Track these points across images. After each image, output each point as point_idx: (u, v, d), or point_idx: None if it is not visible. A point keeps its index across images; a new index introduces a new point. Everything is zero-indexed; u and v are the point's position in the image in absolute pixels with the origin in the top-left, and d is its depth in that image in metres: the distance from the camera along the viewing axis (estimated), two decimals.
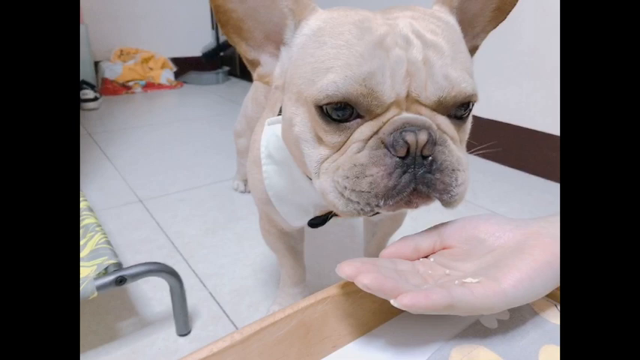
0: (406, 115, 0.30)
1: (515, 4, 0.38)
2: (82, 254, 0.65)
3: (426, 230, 0.35)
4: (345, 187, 0.30)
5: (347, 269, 0.28)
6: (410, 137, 0.29)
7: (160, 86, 2.57)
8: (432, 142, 0.30)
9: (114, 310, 0.74)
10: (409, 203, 0.32)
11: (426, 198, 0.31)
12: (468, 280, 0.29)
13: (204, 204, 1.15)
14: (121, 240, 0.95)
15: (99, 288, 0.57)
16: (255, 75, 0.38)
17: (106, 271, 0.60)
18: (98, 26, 2.49)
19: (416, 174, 0.30)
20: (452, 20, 0.37)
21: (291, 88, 0.35)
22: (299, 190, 0.47)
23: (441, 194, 0.31)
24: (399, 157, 0.30)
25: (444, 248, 0.34)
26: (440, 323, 0.33)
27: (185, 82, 2.75)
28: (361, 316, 0.33)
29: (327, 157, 0.33)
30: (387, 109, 0.30)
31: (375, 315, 0.34)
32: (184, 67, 2.78)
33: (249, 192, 1.21)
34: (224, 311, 0.75)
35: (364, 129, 0.31)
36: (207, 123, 1.94)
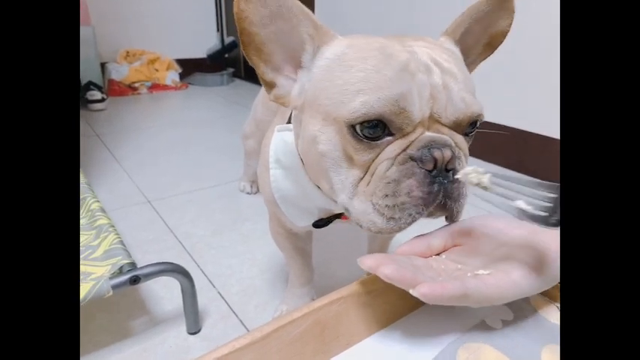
0: (431, 134, 0.33)
1: (502, 41, 0.43)
2: (96, 254, 0.67)
3: (437, 230, 0.37)
4: (387, 206, 0.33)
5: (368, 261, 0.30)
6: (437, 153, 0.32)
7: (165, 87, 2.59)
8: (455, 157, 0.33)
9: (125, 308, 0.76)
10: (431, 214, 0.35)
11: (444, 209, 0.35)
12: (480, 272, 0.31)
13: (212, 205, 1.17)
14: (131, 240, 0.97)
15: (114, 287, 0.59)
16: (271, 96, 0.40)
17: (120, 271, 0.62)
18: (105, 28, 2.52)
19: (442, 184, 0.33)
20: (457, 51, 0.41)
21: (316, 108, 0.37)
22: (304, 195, 0.50)
23: (454, 202, 0.34)
24: (427, 170, 0.33)
25: (454, 246, 0.36)
26: (447, 322, 0.35)
27: (190, 84, 2.77)
28: (372, 316, 0.35)
29: (360, 180, 0.35)
30: (415, 128, 0.33)
31: (385, 315, 0.35)
32: (189, 68, 2.81)
33: (255, 193, 1.23)
34: (233, 310, 0.76)
35: (393, 147, 0.34)
36: (213, 125, 1.96)
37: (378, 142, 0.34)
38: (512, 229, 0.34)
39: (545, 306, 0.37)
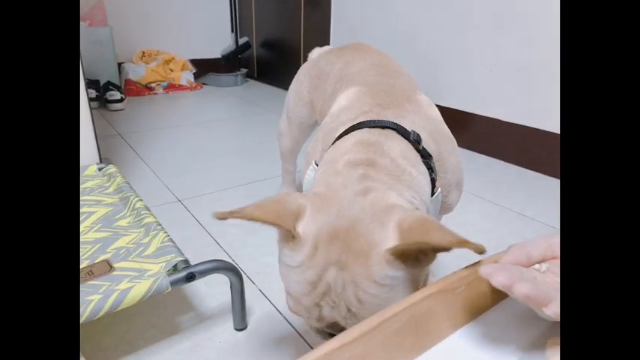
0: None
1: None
2: (148, 252, 0.69)
3: (535, 240, 0.38)
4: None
5: (501, 279, 0.30)
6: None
7: (180, 87, 2.61)
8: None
9: (170, 305, 0.78)
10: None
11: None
12: None
13: (241, 204, 1.17)
14: None
15: (172, 284, 0.61)
16: None
17: (175, 268, 0.64)
18: (121, 28, 2.54)
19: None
20: (399, 274, 0.38)
21: None
22: None
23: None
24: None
25: (553, 257, 0.37)
26: (533, 319, 0.36)
27: (204, 84, 2.79)
28: (458, 311, 0.36)
29: None
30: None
31: (470, 311, 0.36)
32: (203, 68, 2.82)
33: None
34: (276, 307, 0.78)
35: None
36: (230, 125, 1.97)
37: None
38: None
39: None
